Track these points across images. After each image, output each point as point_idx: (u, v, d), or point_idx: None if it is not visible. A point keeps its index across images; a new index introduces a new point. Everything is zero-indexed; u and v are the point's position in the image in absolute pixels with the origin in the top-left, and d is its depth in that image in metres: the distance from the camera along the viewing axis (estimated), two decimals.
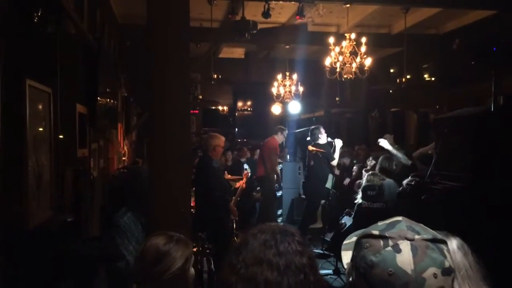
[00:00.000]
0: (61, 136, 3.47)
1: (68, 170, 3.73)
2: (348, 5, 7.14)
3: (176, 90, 2.89)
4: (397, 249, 0.98)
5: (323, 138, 6.61)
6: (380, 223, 1.07)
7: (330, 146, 6.65)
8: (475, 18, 8.40)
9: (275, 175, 7.56)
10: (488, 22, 7.88)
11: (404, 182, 4.64)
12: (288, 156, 9.56)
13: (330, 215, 6.74)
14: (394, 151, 5.76)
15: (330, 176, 6.81)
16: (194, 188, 5.53)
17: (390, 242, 0.99)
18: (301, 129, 8.96)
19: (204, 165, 5.16)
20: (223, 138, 5.29)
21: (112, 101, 5.61)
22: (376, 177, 5.05)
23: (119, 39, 7.96)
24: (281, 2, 7.08)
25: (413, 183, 4.41)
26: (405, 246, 0.98)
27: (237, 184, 5.96)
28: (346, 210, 6.06)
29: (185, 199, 2.83)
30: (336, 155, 6.57)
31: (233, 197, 5.59)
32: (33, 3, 2.88)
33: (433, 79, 10.60)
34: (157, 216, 2.76)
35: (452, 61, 9.24)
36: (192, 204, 5.42)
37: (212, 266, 3.53)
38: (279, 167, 8.19)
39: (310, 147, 6.47)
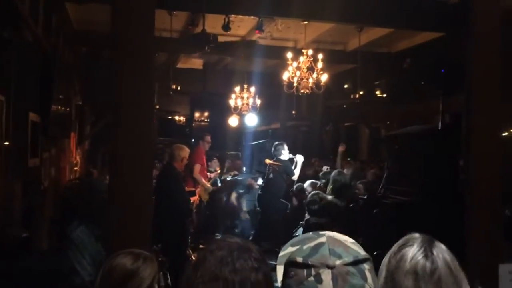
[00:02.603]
0: (11, 145, 3.35)
1: (18, 180, 3.60)
2: (305, 22, 7.33)
3: (140, 99, 2.86)
4: (319, 279, 1.01)
5: (285, 154, 6.74)
6: (305, 246, 1.08)
7: (291, 162, 6.78)
8: (424, 39, 8.85)
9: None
10: (436, 43, 8.32)
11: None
12: (244, 168, 9.62)
13: (285, 228, 6.83)
14: None
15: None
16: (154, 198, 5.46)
17: (313, 271, 1.02)
18: (258, 142, 9.06)
19: (168, 175, 5.13)
20: (188, 150, 5.34)
21: (66, 109, 5.47)
22: (317, 196, 5.25)
23: (74, 45, 7.77)
24: (240, 16, 7.16)
25: (365, 197, 4.57)
26: (326, 275, 1.00)
27: (192, 199, 5.94)
28: (301, 222, 6.17)
29: (148, 211, 2.79)
30: (297, 171, 6.70)
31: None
32: None
33: (384, 95, 11.03)
34: (117, 229, 2.69)
35: (403, 79, 9.67)
36: None
37: (169, 281, 3.49)
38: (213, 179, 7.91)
39: (268, 161, 6.58)
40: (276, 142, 6.95)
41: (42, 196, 4.31)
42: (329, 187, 5.91)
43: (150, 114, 2.89)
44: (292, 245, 1.13)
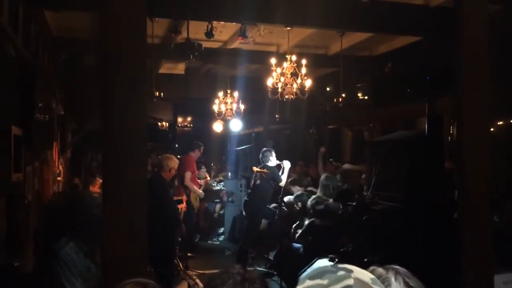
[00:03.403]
0: None
1: (2, 196, 3.51)
2: (288, 28, 7.36)
3: (133, 108, 2.79)
4: None
5: (273, 161, 6.71)
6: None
7: (278, 168, 6.76)
8: (403, 42, 9.00)
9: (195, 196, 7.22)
10: (416, 46, 8.46)
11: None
12: (229, 174, 9.59)
13: (272, 234, 6.83)
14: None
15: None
16: None
17: None
18: (242, 147, 9.03)
19: (157, 184, 5.11)
20: (177, 161, 5.36)
21: (48, 119, 5.35)
22: (320, 198, 5.29)
23: (54, 52, 7.62)
24: (223, 22, 7.15)
25: (354, 204, 4.60)
26: None
27: (179, 206, 5.92)
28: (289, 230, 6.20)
29: (142, 223, 2.73)
30: (284, 177, 6.65)
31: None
32: None
33: (366, 97, 11.14)
34: (111, 243, 2.63)
35: (384, 82, 9.80)
36: None
37: None
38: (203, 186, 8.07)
39: (255, 168, 6.53)
40: (264, 149, 6.94)
41: (26, 211, 4.20)
42: (320, 194, 5.96)
43: (144, 123, 2.82)
44: (311, 279, 1.08)
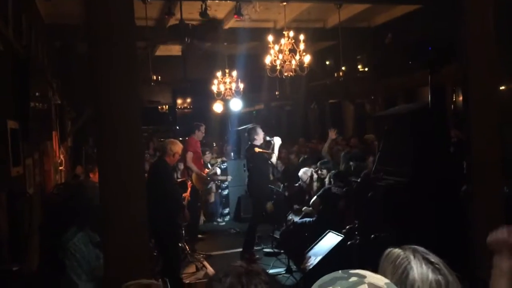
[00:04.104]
0: None
1: (2, 192, 3.47)
2: (284, 3, 7.19)
3: (124, 93, 2.74)
4: None
5: (258, 139, 6.33)
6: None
7: (269, 144, 6.45)
8: (402, 11, 8.81)
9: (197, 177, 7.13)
10: (415, 14, 8.28)
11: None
12: (232, 154, 9.54)
13: (277, 213, 6.81)
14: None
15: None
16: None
17: None
18: (244, 127, 8.94)
19: (160, 169, 5.09)
20: (181, 146, 5.29)
21: (45, 110, 5.28)
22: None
23: (46, 40, 7.48)
24: (217, 0, 6.98)
25: (359, 180, 4.56)
26: None
27: (184, 195, 5.89)
28: (295, 207, 6.17)
29: (141, 207, 2.70)
30: (275, 152, 6.37)
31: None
32: None
33: (366, 69, 10.99)
34: (113, 231, 2.61)
35: (384, 53, 9.63)
36: None
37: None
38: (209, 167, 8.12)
39: (257, 149, 6.32)
40: (249, 126, 6.64)
41: (28, 206, 4.17)
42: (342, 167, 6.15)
43: (137, 105, 2.77)
44: (322, 287, 1.03)
